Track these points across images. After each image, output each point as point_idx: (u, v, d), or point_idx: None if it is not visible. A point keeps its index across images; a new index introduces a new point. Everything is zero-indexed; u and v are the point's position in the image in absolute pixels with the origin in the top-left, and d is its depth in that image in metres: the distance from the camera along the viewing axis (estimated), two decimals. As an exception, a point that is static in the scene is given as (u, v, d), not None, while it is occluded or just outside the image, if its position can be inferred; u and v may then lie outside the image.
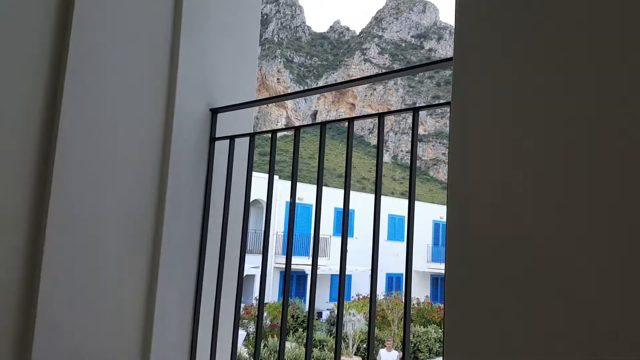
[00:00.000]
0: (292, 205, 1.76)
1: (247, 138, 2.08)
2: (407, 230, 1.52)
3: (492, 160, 1.03)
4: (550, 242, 0.94)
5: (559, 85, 0.98)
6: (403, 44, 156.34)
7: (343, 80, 1.65)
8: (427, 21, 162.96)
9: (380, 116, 1.62)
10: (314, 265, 1.69)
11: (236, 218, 2.14)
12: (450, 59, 1.16)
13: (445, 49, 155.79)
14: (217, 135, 2.15)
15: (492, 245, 1.00)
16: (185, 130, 2.09)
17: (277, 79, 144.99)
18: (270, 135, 1.89)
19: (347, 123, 1.68)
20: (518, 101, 1.02)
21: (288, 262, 1.78)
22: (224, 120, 2.19)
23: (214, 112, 2.16)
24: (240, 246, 2.03)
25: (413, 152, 1.57)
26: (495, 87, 1.06)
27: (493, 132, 1.04)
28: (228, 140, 2.11)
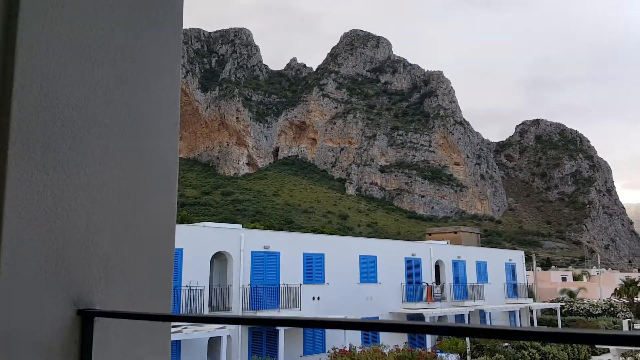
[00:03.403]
0: None
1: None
2: None
3: None
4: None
5: None
6: (359, 79, 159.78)
7: (368, 322, 0.82)
8: (381, 55, 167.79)
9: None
10: None
11: None
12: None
13: (400, 82, 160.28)
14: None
15: None
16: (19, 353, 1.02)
17: (237, 117, 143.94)
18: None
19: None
20: None
21: None
22: (115, 331, 1.12)
23: (86, 316, 1.09)
24: None
25: None
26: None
27: None
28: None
